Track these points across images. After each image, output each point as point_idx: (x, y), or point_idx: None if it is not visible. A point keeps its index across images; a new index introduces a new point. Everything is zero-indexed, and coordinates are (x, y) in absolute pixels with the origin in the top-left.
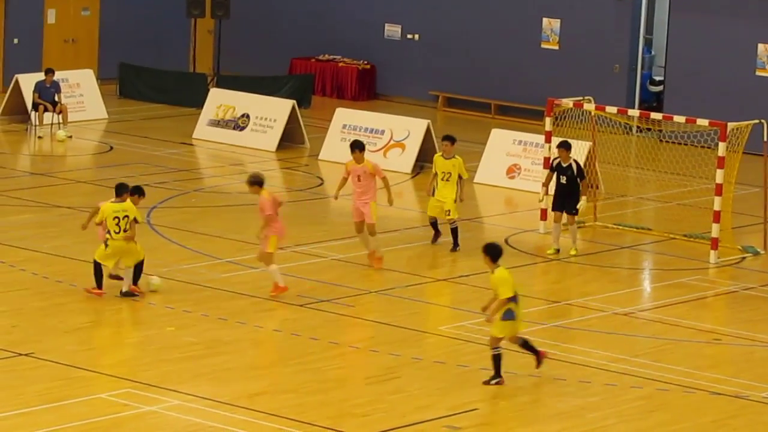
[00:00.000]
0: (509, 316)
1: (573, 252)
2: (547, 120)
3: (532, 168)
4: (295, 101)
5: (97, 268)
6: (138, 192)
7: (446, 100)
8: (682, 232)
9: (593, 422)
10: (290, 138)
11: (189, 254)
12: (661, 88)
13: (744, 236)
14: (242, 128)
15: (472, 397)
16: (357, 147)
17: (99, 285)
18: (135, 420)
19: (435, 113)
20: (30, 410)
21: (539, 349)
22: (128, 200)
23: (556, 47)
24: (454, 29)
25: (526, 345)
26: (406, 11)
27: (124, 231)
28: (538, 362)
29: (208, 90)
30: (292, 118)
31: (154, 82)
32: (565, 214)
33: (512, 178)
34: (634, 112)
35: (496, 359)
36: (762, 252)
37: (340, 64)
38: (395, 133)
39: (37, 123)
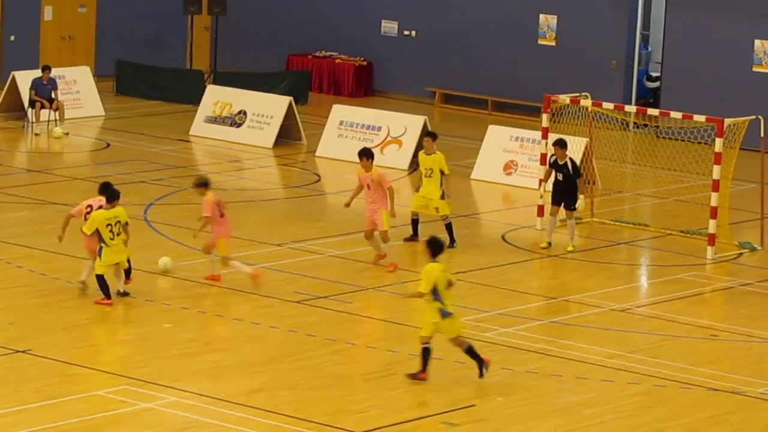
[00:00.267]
0: (444, 314)
1: (570, 248)
2: (544, 116)
3: (529, 164)
4: (292, 98)
5: (102, 282)
6: (117, 197)
7: (443, 96)
8: (679, 228)
9: (590, 418)
10: (287, 135)
11: (186, 251)
12: (657, 84)
13: (741, 232)
14: (239, 125)
15: (469, 394)
16: (363, 155)
17: (108, 296)
18: (132, 417)
19: (432, 110)
20: (27, 407)
21: (483, 356)
22: (117, 206)
23: (553, 43)
24: (451, 26)
25: (470, 351)
26: (403, 8)
27: (117, 235)
28: (481, 371)
29: (205, 87)
30: (289, 114)
31: (151, 79)
32: (563, 210)
33: (509, 174)
34: (631, 108)
35: (425, 353)
36: (759, 248)
37: (337, 61)
38: (392, 129)
39: (34, 120)
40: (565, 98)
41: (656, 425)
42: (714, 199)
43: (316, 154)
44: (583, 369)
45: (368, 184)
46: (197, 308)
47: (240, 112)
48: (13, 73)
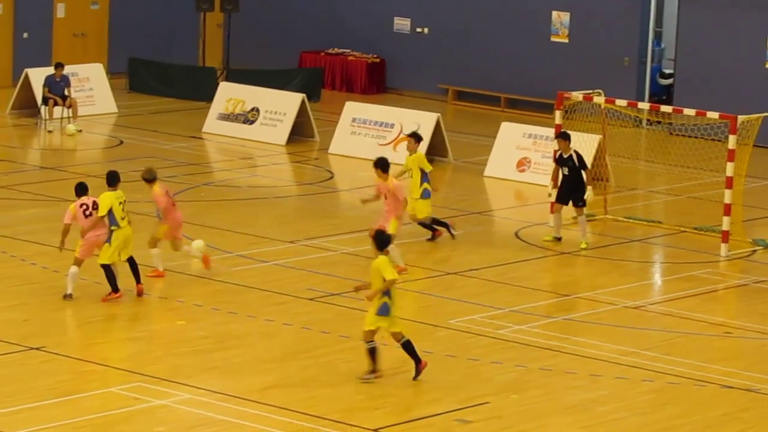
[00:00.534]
0: (384, 311)
1: (583, 245)
2: (557, 113)
3: (542, 161)
4: (304, 95)
5: (108, 272)
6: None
7: (456, 93)
8: (692, 225)
9: (604, 415)
10: (300, 132)
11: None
12: (671, 80)
13: (755, 229)
14: (252, 122)
15: (482, 391)
16: (377, 165)
17: (115, 289)
18: (146, 414)
19: (445, 107)
20: (41, 404)
21: (422, 359)
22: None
23: (566, 40)
24: (464, 22)
25: (408, 347)
26: (416, 5)
27: (123, 219)
28: (416, 371)
29: (218, 84)
30: (302, 111)
31: (164, 76)
32: (573, 208)
33: (522, 171)
34: (644, 105)
35: (372, 353)
36: None
37: (350, 58)
38: (405, 126)
39: (47, 117)
40: (578, 95)
41: (669, 423)
42: (727, 196)
43: (329, 151)
44: (597, 366)
45: (385, 195)
46: (210, 305)
47: (253, 109)
48: (26, 70)
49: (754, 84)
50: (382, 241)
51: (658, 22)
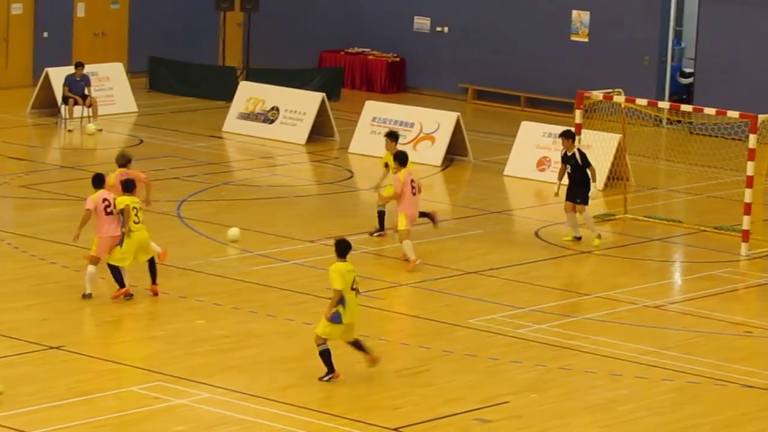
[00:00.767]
0: (335, 319)
1: (596, 242)
2: (577, 112)
3: None
4: (324, 94)
5: (114, 270)
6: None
7: (476, 92)
8: (712, 224)
9: (624, 415)
10: (320, 131)
11: (219, 247)
12: (691, 80)
13: None
14: (272, 121)
15: (502, 390)
16: (396, 159)
17: (122, 284)
18: (166, 413)
19: (464, 106)
20: (60, 403)
21: (372, 353)
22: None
23: (586, 39)
24: (484, 21)
25: (357, 345)
26: (435, 4)
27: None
28: (370, 362)
29: (238, 83)
30: (322, 111)
31: (184, 76)
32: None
33: (542, 170)
34: (664, 104)
35: (324, 355)
36: None
37: (370, 57)
38: (425, 125)
39: (67, 116)
40: (598, 94)
41: (689, 422)
42: (748, 196)
43: (349, 150)
44: (617, 366)
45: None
46: (230, 304)
47: (273, 109)
48: (46, 69)
49: None
50: (341, 247)
51: (679, 21)
